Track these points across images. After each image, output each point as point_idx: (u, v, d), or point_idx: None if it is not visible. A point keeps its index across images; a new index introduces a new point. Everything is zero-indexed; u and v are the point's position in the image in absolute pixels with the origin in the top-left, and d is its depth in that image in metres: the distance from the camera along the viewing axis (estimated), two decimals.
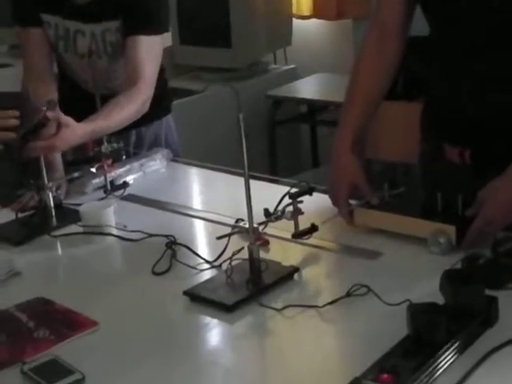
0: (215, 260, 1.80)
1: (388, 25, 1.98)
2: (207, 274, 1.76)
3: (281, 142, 4.40)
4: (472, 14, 1.80)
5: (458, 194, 1.77)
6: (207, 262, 1.81)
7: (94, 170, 2.28)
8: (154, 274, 1.78)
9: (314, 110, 4.46)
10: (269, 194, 1.95)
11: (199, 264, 1.81)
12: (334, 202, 1.93)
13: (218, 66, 4.33)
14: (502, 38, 1.79)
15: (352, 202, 1.91)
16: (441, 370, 1.32)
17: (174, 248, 1.87)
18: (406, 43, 1.99)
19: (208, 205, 2.18)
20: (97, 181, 2.30)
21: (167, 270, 1.79)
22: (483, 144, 1.87)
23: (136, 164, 2.40)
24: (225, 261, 1.76)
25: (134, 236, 1.96)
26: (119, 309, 1.66)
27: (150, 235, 1.95)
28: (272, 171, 4.22)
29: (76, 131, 2.14)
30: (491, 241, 1.67)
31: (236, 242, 1.80)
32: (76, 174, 2.29)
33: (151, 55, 2.41)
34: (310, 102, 4.41)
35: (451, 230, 1.74)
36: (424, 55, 1.96)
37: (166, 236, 1.92)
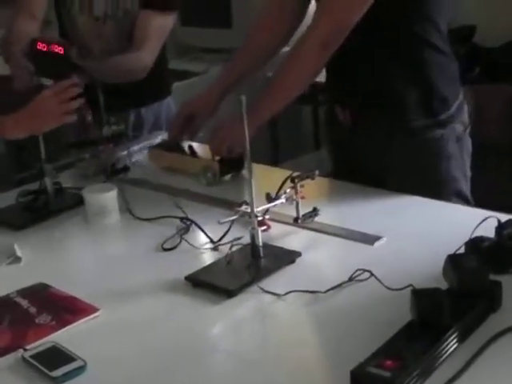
0: (219, 240, 1.79)
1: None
2: (211, 256, 1.75)
3: (282, 125, 4.37)
4: None
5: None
6: (212, 241, 1.80)
7: (95, 153, 2.27)
8: (164, 250, 1.80)
9: (316, 91, 4.43)
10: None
11: (204, 245, 1.81)
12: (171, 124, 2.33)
13: (218, 47, 4.31)
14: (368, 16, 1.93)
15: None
16: (445, 355, 1.31)
17: (187, 224, 1.89)
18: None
19: (210, 188, 2.17)
20: (98, 164, 2.28)
21: (175, 247, 1.81)
22: (358, 106, 2.11)
23: (137, 147, 2.39)
24: (225, 244, 1.75)
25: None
26: (121, 294, 1.65)
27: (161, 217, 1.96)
28: (274, 154, 4.21)
29: None
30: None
31: (239, 225, 1.79)
32: (78, 157, 2.28)
33: (160, 33, 2.49)
34: (311, 84, 4.37)
35: (215, 165, 2.15)
36: None
37: (174, 217, 1.93)
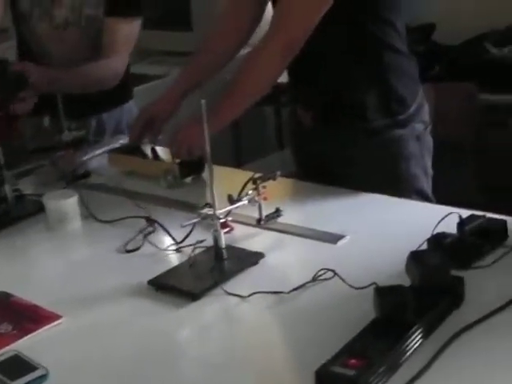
0: (181, 241, 1.79)
1: None
2: (174, 259, 1.74)
3: (245, 126, 4.37)
4: None
5: None
6: (175, 241, 1.80)
7: (55, 159, 2.25)
8: (127, 251, 1.80)
9: (278, 91, 4.43)
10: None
11: (167, 247, 1.80)
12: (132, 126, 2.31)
13: (179, 50, 4.28)
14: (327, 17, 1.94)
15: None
16: (409, 352, 1.31)
17: (151, 225, 1.89)
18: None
19: (175, 191, 2.16)
20: (59, 170, 2.26)
21: (138, 248, 1.80)
22: (320, 108, 2.12)
23: (98, 152, 2.37)
24: (188, 246, 1.75)
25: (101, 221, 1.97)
26: (84, 300, 1.63)
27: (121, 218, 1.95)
28: (237, 155, 4.20)
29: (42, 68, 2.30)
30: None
31: (202, 227, 1.78)
32: (37, 164, 2.25)
33: (128, 39, 2.50)
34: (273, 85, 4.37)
35: (175, 167, 2.14)
36: None
37: (136, 217, 1.93)
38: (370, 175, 2.06)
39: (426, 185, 2.14)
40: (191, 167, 2.16)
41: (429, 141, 2.15)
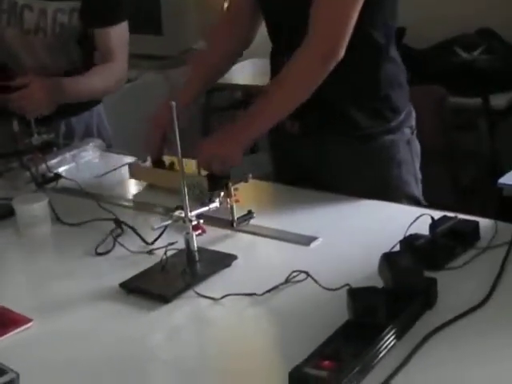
0: (152, 243, 1.78)
1: (240, 7, 2.18)
2: (146, 262, 1.72)
3: (217, 129, 4.36)
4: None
5: None
6: (146, 243, 1.79)
7: (24, 162, 2.23)
8: (98, 254, 1.78)
9: (250, 96, 4.43)
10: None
11: (138, 250, 1.79)
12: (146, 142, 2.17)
13: (150, 54, 4.28)
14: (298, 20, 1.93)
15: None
16: (382, 353, 1.31)
17: (120, 228, 1.87)
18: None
19: (146, 195, 2.15)
20: (28, 174, 2.24)
21: (109, 251, 1.79)
22: (306, 118, 2.06)
23: (68, 155, 2.36)
24: (160, 248, 1.73)
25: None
26: (55, 303, 1.61)
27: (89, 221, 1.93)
28: None
29: (43, 85, 2.28)
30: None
31: (174, 230, 1.77)
32: (7, 167, 2.23)
33: (121, 41, 2.51)
34: (244, 88, 4.39)
35: (203, 180, 1.98)
36: None
37: (106, 219, 1.91)
38: (360, 182, 2.04)
39: (417, 190, 2.12)
40: (219, 180, 2.00)
41: (417, 145, 2.14)
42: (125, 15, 2.53)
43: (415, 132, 2.14)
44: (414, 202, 2.08)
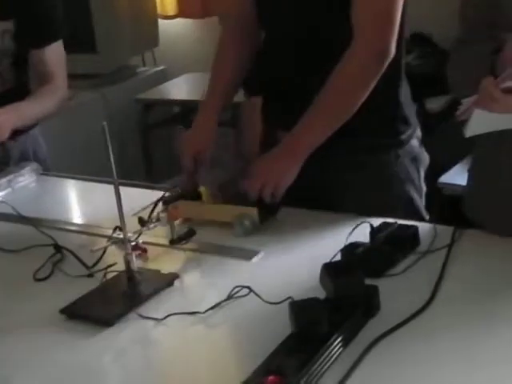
0: (92, 267, 1.74)
1: (246, 14, 2.08)
2: (87, 286, 1.69)
3: (156, 146, 4.34)
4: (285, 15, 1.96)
5: None
6: (86, 267, 1.75)
7: None
8: (36, 280, 1.74)
9: (187, 110, 4.42)
10: (144, 200, 1.91)
11: (78, 274, 1.75)
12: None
13: (84, 73, 4.23)
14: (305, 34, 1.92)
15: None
16: (327, 365, 1.31)
17: (60, 252, 1.83)
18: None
19: (84, 217, 2.13)
20: None
21: (48, 276, 1.75)
22: None
23: (3, 180, 2.32)
24: (101, 271, 1.71)
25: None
26: None
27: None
28: (148, 175, 4.17)
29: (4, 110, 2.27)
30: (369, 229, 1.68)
31: (114, 251, 1.75)
32: None
33: (59, 60, 2.48)
34: (182, 103, 4.37)
35: (253, 211, 1.82)
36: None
37: (43, 245, 1.87)
38: (364, 197, 1.96)
39: (421, 205, 2.06)
40: (270, 209, 1.89)
41: (425, 158, 2.07)
42: (60, 33, 2.50)
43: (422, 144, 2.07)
44: (419, 218, 1.98)
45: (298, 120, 1.88)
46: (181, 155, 2.01)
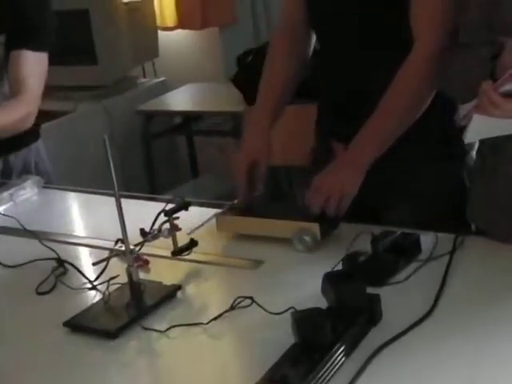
0: (95, 280, 1.75)
1: (296, 24, 2.07)
2: (90, 298, 1.70)
3: (158, 156, 4.35)
4: (338, 18, 1.95)
5: None
6: (89, 281, 1.76)
7: None
8: (39, 294, 1.73)
9: (189, 120, 4.44)
10: (146, 212, 1.91)
11: (81, 286, 1.76)
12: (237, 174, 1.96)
13: (85, 85, 4.25)
14: (367, 40, 1.91)
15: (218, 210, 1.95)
16: (331, 374, 1.31)
17: (62, 266, 1.83)
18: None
19: (87, 230, 2.13)
20: None
21: (51, 290, 1.75)
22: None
23: (5, 194, 2.32)
24: (103, 283, 1.70)
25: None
26: None
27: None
28: (151, 186, 4.17)
29: None
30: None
31: (116, 263, 1.75)
32: None
33: (36, 70, 2.38)
34: (183, 114, 4.39)
35: (315, 227, 1.76)
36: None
37: (46, 259, 1.86)
38: (422, 209, 1.94)
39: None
40: (331, 223, 1.81)
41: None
42: (46, 46, 2.43)
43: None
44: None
45: (352, 131, 1.86)
46: (236, 167, 1.97)
